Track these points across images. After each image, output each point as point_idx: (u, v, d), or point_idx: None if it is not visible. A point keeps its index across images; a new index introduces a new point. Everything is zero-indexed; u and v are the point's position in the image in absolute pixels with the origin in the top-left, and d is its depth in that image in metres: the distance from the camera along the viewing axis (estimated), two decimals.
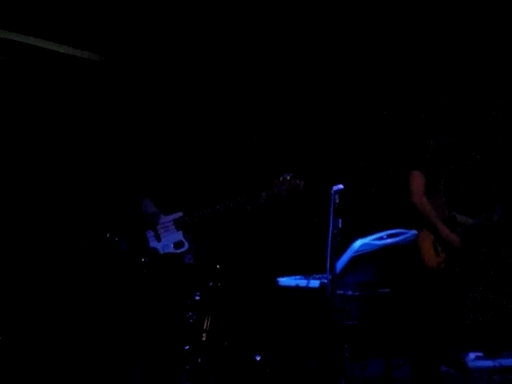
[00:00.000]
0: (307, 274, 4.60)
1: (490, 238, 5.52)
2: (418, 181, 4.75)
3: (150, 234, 4.29)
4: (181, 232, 4.32)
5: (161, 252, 4.27)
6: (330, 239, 3.99)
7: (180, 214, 4.35)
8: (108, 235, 4.23)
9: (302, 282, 4.53)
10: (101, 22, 5.27)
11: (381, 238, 4.37)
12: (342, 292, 4.44)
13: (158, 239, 4.29)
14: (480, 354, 5.20)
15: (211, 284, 4.48)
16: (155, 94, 5.30)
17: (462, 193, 5.47)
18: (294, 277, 4.65)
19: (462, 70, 5.73)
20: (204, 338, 4.32)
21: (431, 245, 4.75)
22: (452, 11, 5.54)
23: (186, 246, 4.31)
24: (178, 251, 4.30)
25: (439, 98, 5.69)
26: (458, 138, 5.04)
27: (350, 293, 4.50)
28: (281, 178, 4.41)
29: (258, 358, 4.56)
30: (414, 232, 4.50)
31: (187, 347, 4.26)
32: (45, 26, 5.09)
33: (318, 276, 4.51)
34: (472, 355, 5.15)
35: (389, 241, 4.36)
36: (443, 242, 4.76)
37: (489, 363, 5.07)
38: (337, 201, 4.01)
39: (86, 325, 4.80)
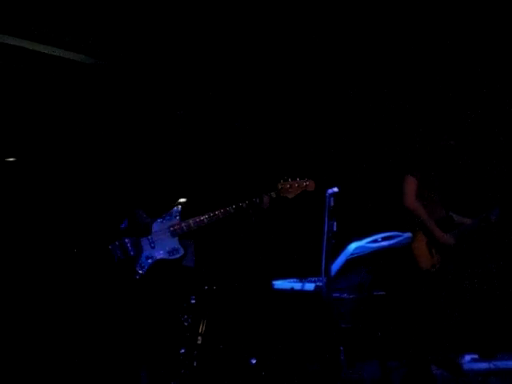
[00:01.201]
0: (302, 277, 4.61)
1: (487, 239, 5.54)
2: (410, 185, 4.86)
3: (145, 241, 4.28)
4: (176, 239, 4.30)
5: (155, 259, 4.26)
6: (324, 242, 4.00)
7: (176, 220, 4.34)
8: (101, 243, 4.24)
9: (297, 285, 4.53)
10: (95, 25, 5.26)
11: (375, 241, 4.37)
12: (337, 295, 4.44)
13: (153, 246, 4.28)
14: (475, 356, 5.19)
15: (206, 287, 4.49)
16: (152, 98, 5.30)
17: (460, 194, 5.49)
18: (289, 280, 4.65)
19: (456, 73, 5.74)
20: (199, 342, 4.33)
21: (425, 246, 4.78)
22: (450, 13, 5.54)
23: (181, 251, 4.30)
24: (172, 257, 4.29)
25: (435, 101, 5.70)
26: (456, 140, 5.06)
27: (345, 295, 4.51)
28: (289, 180, 4.40)
29: (254, 362, 4.56)
30: (408, 235, 4.50)
31: (183, 351, 4.27)
32: (39, 29, 5.09)
33: (313, 279, 4.51)
34: (467, 357, 5.15)
35: (383, 243, 4.37)
36: (437, 243, 4.79)
37: (484, 365, 5.06)
38: (331, 203, 4.02)
39: (82, 330, 4.79)
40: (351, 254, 4.34)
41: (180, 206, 4.35)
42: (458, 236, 4.86)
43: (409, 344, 4.68)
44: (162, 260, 4.28)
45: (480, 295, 5.67)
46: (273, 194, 4.38)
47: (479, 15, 5.50)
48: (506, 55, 5.65)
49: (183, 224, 4.30)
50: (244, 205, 4.32)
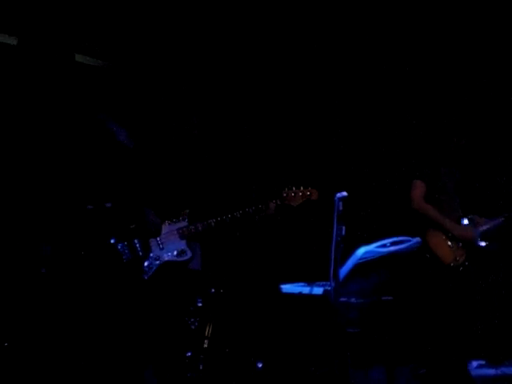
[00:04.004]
0: (310, 281, 4.59)
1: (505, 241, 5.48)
2: (417, 189, 4.90)
3: (153, 242, 4.33)
4: (184, 241, 4.36)
5: (163, 260, 4.29)
6: (333, 246, 3.98)
7: (184, 223, 4.37)
8: (110, 243, 4.26)
9: (305, 289, 4.51)
10: (102, 28, 5.28)
11: (384, 246, 4.35)
12: (345, 299, 4.42)
13: (161, 248, 4.31)
14: (483, 362, 5.17)
15: (213, 290, 4.49)
16: (159, 101, 5.30)
17: (476, 194, 5.47)
18: (297, 284, 4.64)
19: (468, 74, 5.72)
20: (206, 345, 4.33)
21: (444, 240, 4.78)
22: (459, 12, 5.52)
23: (189, 254, 4.37)
24: (180, 259, 4.36)
25: (445, 104, 5.68)
26: (466, 139, 5.06)
27: (353, 300, 4.50)
28: (294, 188, 4.48)
29: (260, 366, 4.55)
30: (418, 239, 4.48)
31: (189, 354, 4.27)
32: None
33: (321, 283, 4.50)
34: (475, 363, 5.13)
35: (392, 248, 4.35)
36: (456, 238, 4.79)
37: (492, 372, 5.05)
38: (340, 208, 4.00)
39: (88, 331, 4.77)
40: (360, 259, 4.32)
41: (188, 210, 4.40)
42: (484, 236, 4.85)
43: (427, 349, 4.66)
44: (169, 262, 4.31)
45: (488, 301, 5.64)
46: (278, 201, 4.49)
47: (488, 14, 5.48)
48: None
49: (191, 227, 4.37)
50: (250, 210, 4.41)
